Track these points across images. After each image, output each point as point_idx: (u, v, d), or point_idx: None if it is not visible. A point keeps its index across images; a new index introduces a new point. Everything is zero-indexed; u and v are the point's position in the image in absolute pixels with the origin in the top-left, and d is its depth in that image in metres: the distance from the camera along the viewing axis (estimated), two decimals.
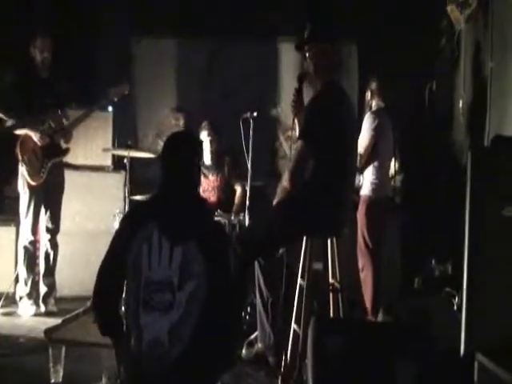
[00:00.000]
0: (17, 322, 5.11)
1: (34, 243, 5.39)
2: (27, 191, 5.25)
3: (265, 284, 4.12)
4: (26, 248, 5.33)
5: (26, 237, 5.32)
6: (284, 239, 3.90)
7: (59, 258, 5.48)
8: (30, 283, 5.32)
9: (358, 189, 5.13)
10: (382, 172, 5.12)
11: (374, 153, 5.06)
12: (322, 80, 3.86)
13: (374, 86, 5.24)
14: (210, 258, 2.77)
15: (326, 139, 3.66)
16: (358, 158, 4.52)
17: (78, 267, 5.67)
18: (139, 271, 2.77)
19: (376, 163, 5.09)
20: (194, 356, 2.71)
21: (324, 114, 3.71)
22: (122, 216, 5.15)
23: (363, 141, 4.98)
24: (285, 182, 3.77)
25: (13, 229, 5.65)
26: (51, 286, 5.41)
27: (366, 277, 5.03)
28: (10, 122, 5.18)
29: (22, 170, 5.23)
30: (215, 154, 5.90)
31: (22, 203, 5.29)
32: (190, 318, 2.73)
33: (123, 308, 2.97)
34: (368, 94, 5.29)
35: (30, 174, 5.21)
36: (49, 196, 5.37)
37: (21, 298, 5.32)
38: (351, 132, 3.95)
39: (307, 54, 3.87)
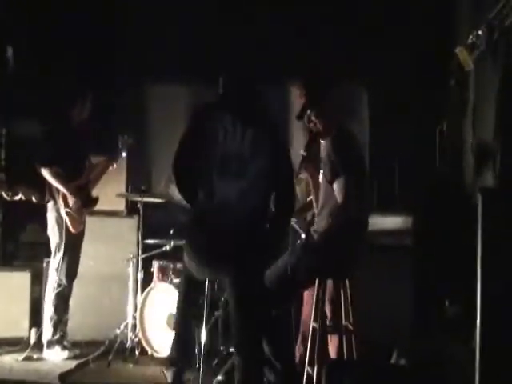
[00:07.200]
0: (31, 367, 5.06)
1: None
2: (64, 237, 5.27)
3: None
4: (60, 293, 5.29)
5: (58, 282, 5.29)
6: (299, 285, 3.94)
7: (72, 302, 5.45)
8: (59, 328, 5.28)
9: None
10: None
11: None
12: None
13: None
14: (275, 142, 3.38)
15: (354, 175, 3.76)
16: None
17: (91, 312, 5.67)
18: (215, 143, 3.26)
19: None
20: (255, 223, 3.26)
21: (347, 151, 3.84)
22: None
23: None
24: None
25: (27, 274, 5.68)
26: (64, 330, 5.38)
27: None
28: None
29: (62, 218, 5.25)
30: None
31: (57, 250, 5.29)
32: (256, 188, 3.24)
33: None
34: None
35: (71, 222, 5.26)
36: (76, 242, 5.41)
37: (49, 344, 5.27)
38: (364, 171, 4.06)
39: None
